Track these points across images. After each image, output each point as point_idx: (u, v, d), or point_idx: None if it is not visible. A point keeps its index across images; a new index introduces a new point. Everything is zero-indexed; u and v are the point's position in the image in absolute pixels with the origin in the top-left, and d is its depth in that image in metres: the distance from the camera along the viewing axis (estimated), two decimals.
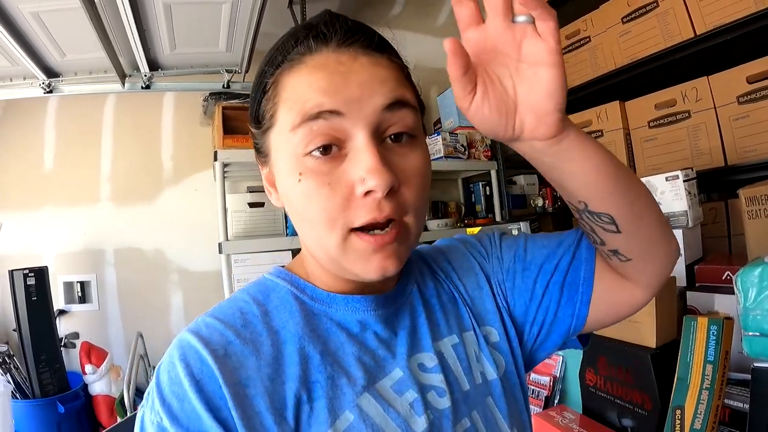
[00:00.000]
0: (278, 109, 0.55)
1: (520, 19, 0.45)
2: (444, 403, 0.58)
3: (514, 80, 0.49)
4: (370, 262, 0.53)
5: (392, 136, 0.54)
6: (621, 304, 0.67)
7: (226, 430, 0.48)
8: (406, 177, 0.54)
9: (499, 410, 0.62)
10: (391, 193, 0.52)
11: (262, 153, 0.61)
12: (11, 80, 2.05)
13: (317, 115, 0.51)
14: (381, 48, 0.56)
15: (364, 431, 0.52)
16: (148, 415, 0.50)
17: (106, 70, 2.07)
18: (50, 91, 2.07)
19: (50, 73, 2.04)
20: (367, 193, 0.51)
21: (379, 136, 0.53)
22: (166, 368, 0.52)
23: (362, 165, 0.50)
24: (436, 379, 0.60)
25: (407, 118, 0.54)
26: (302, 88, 0.52)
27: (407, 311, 0.65)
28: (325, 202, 0.51)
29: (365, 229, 0.52)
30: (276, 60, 0.56)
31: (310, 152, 0.51)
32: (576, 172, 0.55)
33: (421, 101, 0.60)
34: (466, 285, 0.72)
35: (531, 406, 1.42)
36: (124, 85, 2.17)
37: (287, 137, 0.53)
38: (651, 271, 0.64)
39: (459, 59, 0.46)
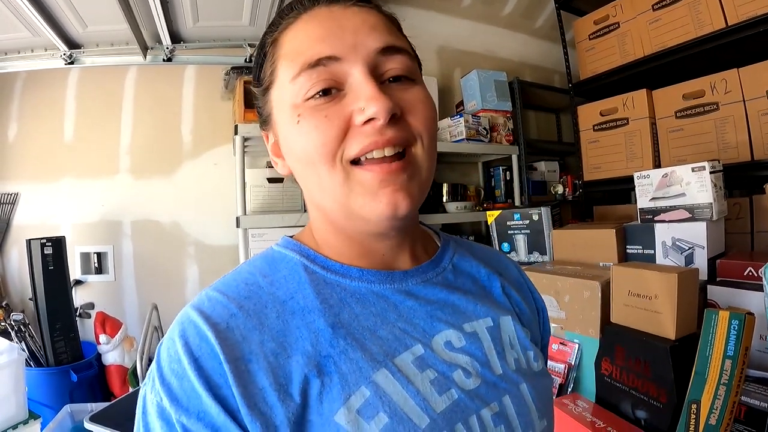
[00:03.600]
0: (278, 65, 0.57)
1: None
2: (469, 384, 0.55)
3: None
4: (379, 197, 0.52)
5: (390, 79, 0.55)
6: None
7: (226, 408, 0.46)
8: (410, 106, 0.54)
9: (531, 399, 0.60)
10: (394, 120, 0.52)
11: (264, 118, 0.62)
12: (32, 51, 2.05)
13: (317, 63, 0.52)
14: (367, 1, 0.58)
15: (381, 408, 0.49)
16: (149, 395, 0.49)
17: (127, 42, 2.07)
18: (71, 63, 2.07)
19: (72, 44, 2.04)
20: (367, 122, 0.51)
21: (377, 78, 0.54)
22: (167, 345, 0.50)
23: (361, 94, 0.51)
24: (463, 359, 0.57)
25: (404, 62, 0.56)
26: (299, 40, 0.55)
27: (437, 287, 0.62)
28: (322, 135, 0.51)
29: (372, 162, 0.52)
30: (275, 24, 0.60)
31: (310, 97, 0.52)
32: None
33: (417, 56, 0.62)
34: (512, 290, 0.72)
35: None
36: (145, 57, 2.16)
37: (288, 89, 0.54)
38: None
39: None
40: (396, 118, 0.52)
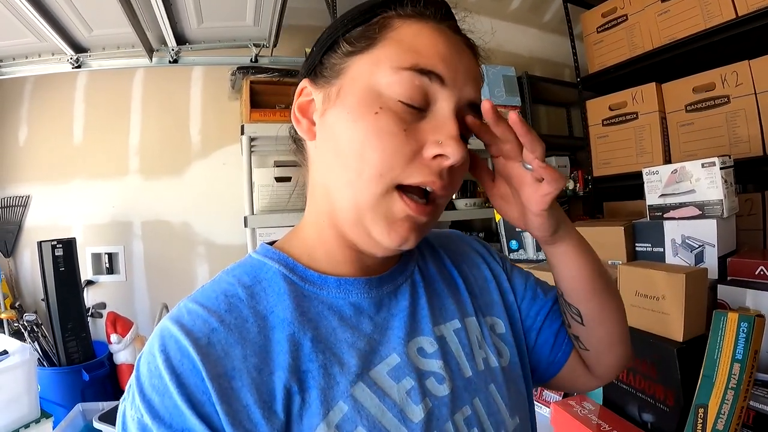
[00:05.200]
0: (382, 42, 0.55)
1: (527, 167, 0.58)
2: (443, 390, 0.56)
3: (519, 192, 0.60)
4: (395, 228, 0.54)
5: None
6: (577, 382, 0.78)
7: (210, 426, 0.45)
8: (461, 164, 0.56)
9: (501, 398, 0.61)
10: (451, 170, 0.54)
11: (327, 72, 0.58)
12: (40, 56, 2.07)
13: (428, 72, 0.53)
14: (476, 53, 0.61)
15: (359, 422, 0.50)
16: (129, 410, 0.48)
17: (133, 44, 2.07)
18: (78, 66, 2.09)
19: (78, 48, 2.05)
20: (436, 157, 0.53)
21: None
22: (146, 359, 0.49)
23: (444, 130, 0.53)
24: (436, 365, 0.58)
25: (477, 123, 0.58)
26: (423, 41, 0.54)
27: (406, 293, 0.63)
28: (397, 145, 0.52)
29: (409, 191, 0.54)
30: (385, 3, 0.57)
31: (398, 97, 0.53)
32: (561, 271, 0.68)
33: None
34: (470, 275, 0.73)
35: (551, 394, 1.41)
36: (151, 59, 2.17)
37: (383, 72, 0.53)
38: (603, 367, 0.75)
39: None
40: (453, 168, 0.54)
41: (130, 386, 0.49)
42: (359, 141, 0.52)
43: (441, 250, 0.74)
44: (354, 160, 0.53)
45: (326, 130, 0.57)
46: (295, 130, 0.63)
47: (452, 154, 0.52)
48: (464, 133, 0.56)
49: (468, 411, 0.57)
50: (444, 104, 0.54)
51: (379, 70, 0.53)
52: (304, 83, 0.61)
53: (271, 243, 0.65)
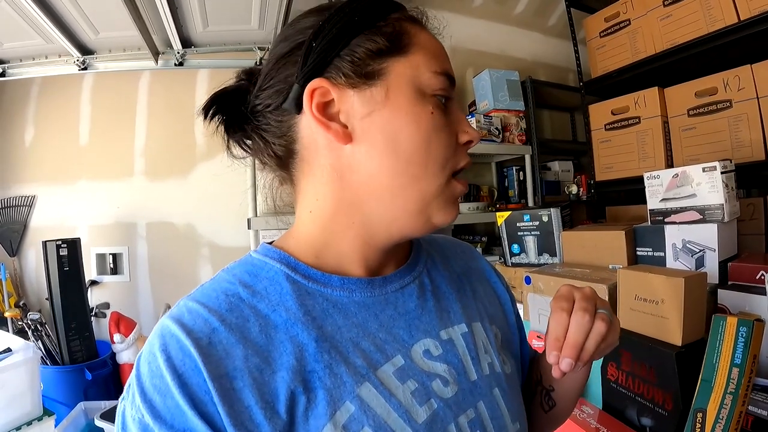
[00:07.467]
0: (411, 46, 0.58)
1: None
2: (447, 392, 0.57)
3: None
4: (453, 206, 0.60)
5: None
6: None
7: (212, 426, 0.45)
8: None
9: (504, 403, 0.61)
10: None
11: (358, 72, 0.55)
12: (46, 57, 2.09)
13: (447, 75, 0.59)
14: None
15: (365, 422, 0.49)
16: (129, 410, 0.47)
17: (139, 47, 2.09)
18: (85, 68, 2.12)
19: (84, 50, 2.08)
20: (465, 143, 0.61)
21: None
22: (147, 359, 0.48)
23: (463, 122, 0.61)
24: (440, 368, 0.58)
25: None
26: (436, 46, 0.60)
27: (414, 294, 0.63)
28: (447, 140, 0.58)
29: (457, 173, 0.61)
30: (392, 5, 0.60)
31: (438, 95, 0.58)
32: (565, 381, 0.72)
33: None
34: (479, 286, 0.75)
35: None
36: (157, 62, 2.19)
37: (425, 76, 0.57)
38: None
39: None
40: None
41: (130, 386, 0.48)
42: (423, 139, 0.56)
43: (452, 257, 0.75)
44: (419, 157, 0.56)
45: (375, 132, 0.55)
46: (284, 139, 0.61)
47: (476, 137, 0.61)
48: None
49: (472, 414, 0.57)
50: (454, 102, 0.61)
51: (421, 74, 0.57)
52: (319, 83, 0.55)
53: (270, 243, 0.64)
